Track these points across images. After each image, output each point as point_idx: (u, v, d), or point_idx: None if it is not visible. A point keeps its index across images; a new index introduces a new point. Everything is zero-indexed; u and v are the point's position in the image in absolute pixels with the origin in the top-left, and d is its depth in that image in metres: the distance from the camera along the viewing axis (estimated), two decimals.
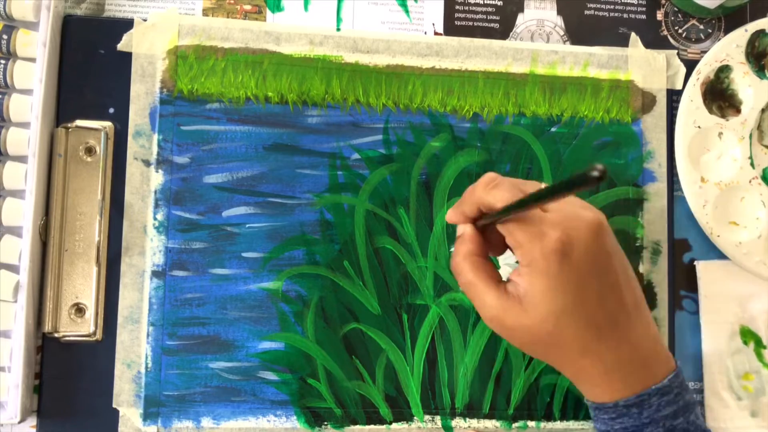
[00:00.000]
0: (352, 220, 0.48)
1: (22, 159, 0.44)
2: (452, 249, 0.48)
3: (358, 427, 0.47)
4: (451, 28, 0.51)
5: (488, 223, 0.38)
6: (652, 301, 0.49)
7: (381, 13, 0.51)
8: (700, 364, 0.50)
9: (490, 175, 0.38)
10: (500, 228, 0.37)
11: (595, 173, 0.26)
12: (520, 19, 0.52)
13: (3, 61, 0.44)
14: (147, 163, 0.47)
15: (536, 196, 0.33)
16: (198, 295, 0.46)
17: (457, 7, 0.51)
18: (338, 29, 0.49)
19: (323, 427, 0.46)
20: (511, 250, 0.38)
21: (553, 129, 0.50)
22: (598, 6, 0.53)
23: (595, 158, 0.50)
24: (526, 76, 0.50)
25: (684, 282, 0.51)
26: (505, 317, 0.37)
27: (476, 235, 0.39)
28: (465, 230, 0.39)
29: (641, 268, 0.49)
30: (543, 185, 0.37)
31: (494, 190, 0.37)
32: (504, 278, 0.38)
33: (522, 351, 0.42)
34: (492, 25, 0.52)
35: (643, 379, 0.37)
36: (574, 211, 0.37)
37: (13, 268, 0.44)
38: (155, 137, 0.47)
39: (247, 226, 0.47)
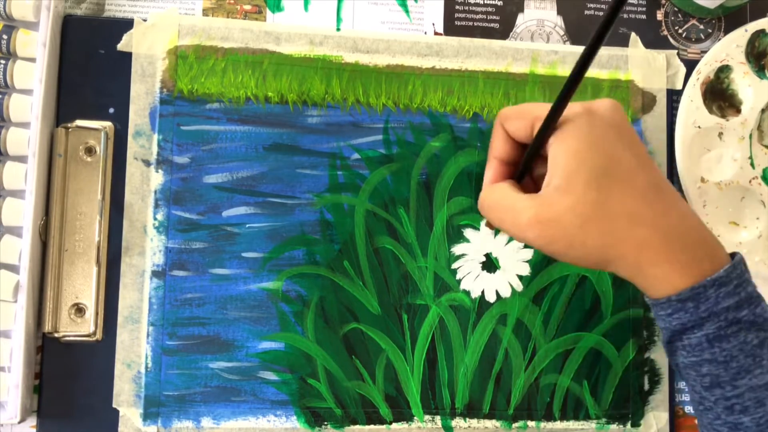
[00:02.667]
0: (352, 220, 0.48)
1: (22, 159, 0.44)
2: (452, 250, 0.48)
3: (358, 427, 0.47)
4: (451, 28, 0.51)
5: (530, 159, 0.39)
6: None
7: (381, 13, 0.51)
8: None
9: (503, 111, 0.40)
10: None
11: None
12: (520, 19, 0.52)
13: (3, 61, 0.44)
14: (147, 163, 0.47)
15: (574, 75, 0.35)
16: (198, 295, 0.46)
17: (457, 7, 0.51)
18: (338, 29, 0.49)
19: (323, 427, 0.46)
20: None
21: None
22: (598, 6, 0.53)
23: None
24: (526, 76, 0.50)
25: None
26: (545, 210, 0.35)
27: (500, 164, 0.40)
28: (491, 165, 0.40)
29: None
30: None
31: (509, 122, 0.39)
32: None
33: (574, 255, 0.36)
34: (492, 25, 0.52)
35: (696, 268, 0.35)
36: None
37: (13, 268, 0.44)
38: (155, 137, 0.47)
39: (247, 226, 0.47)
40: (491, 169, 0.41)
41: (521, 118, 0.39)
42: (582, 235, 0.35)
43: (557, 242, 0.36)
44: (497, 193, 0.39)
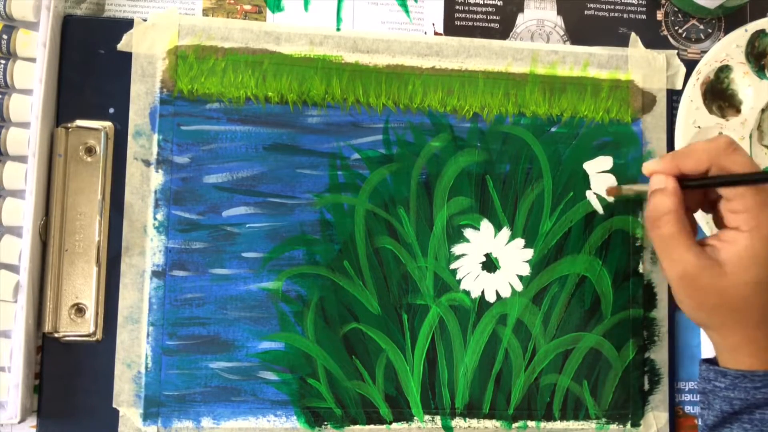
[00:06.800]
0: (352, 220, 0.48)
1: (22, 159, 0.44)
2: (452, 250, 0.48)
3: (358, 427, 0.47)
4: (451, 28, 0.51)
5: (698, 186, 0.40)
6: (652, 301, 0.49)
7: (381, 13, 0.51)
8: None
9: (728, 139, 0.40)
10: (722, 190, 0.39)
11: None
12: (520, 19, 0.52)
13: (3, 61, 0.44)
14: (147, 163, 0.47)
15: None
16: (198, 295, 0.46)
17: (457, 7, 0.51)
18: (338, 29, 0.49)
19: (323, 427, 0.46)
20: (708, 212, 0.41)
21: (553, 129, 0.50)
22: (598, 6, 0.53)
23: (596, 158, 0.50)
24: (526, 76, 0.50)
25: None
26: (700, 276, 0.38)
27: (681, 192, 0.40)
28: (668, 184, 0.40)
29: (641, 268, 0.49)
30: None
31: (735, 155, 0.39)
32: None
33: (692, 313, 0.41)
34: (492, 25, 0.52)
35: None
36: None
37: (13, 268, 0.44)
38: (155, 137, 0.47)
39: (247, 226, 0.47)
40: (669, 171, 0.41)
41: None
42: (710, 313, 0.39)
43: (693, 300, 0.39)
44: (672, 226, 0.39)
